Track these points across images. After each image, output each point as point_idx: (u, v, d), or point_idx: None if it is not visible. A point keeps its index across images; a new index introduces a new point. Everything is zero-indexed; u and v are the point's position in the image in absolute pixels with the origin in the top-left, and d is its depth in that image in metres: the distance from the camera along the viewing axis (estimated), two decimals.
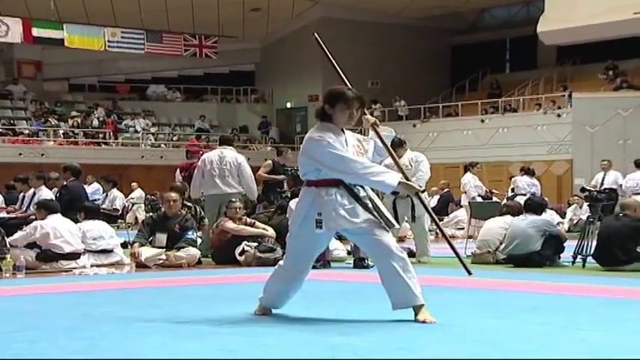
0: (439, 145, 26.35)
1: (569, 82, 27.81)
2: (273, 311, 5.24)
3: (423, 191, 10.30)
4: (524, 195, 14.95)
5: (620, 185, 16.37)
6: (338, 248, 10.08)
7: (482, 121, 26.76)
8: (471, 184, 15.94)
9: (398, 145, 10.06)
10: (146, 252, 9.50)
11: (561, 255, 9.46)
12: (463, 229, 15.22)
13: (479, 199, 15.30)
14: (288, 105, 33.03)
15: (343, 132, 5.07)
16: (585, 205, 13.65)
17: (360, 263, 9.10)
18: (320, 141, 4.87)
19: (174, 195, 10.00)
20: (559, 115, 24.75)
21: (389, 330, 4.61)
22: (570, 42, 24.93)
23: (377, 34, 30.78)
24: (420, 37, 31.54)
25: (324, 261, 9.07)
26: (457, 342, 4.25)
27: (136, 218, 18.78)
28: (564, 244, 9.46)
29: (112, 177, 16.45)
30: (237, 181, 10.84)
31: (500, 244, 9.64)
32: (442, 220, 17.30)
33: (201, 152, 14.07)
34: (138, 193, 20.61)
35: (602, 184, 16.73)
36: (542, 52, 30.20)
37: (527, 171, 17.01)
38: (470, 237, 12.17)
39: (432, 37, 31.91)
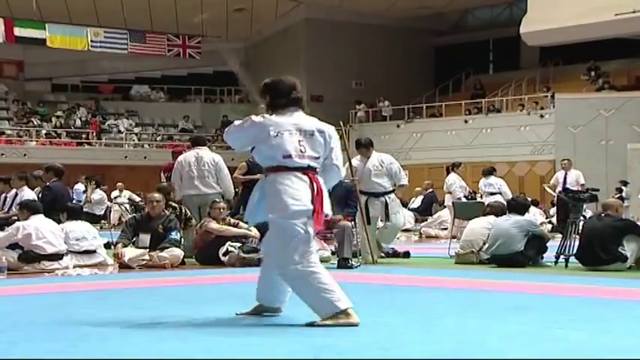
0: (423, 145, 26.43)
1: (552, 82, 27.96)
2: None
3: (392, 191, 10.21)
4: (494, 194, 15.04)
5: (582, 184, 16.24)
6: (322, 248, 10.07)
7: (466, 121, 26.87)
8: (457, 185, 15.98)
9: (369, 144, 10.14)
10: (129, 253, 9.46)
11: (544, 255, 9.50)
12: (447, 229, 15.25)
13: (463, 200, 15.33)
14: None
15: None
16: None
17: (344, 263, 9.11)
18: None
19: (157, 196, 9.97)
20: (542, 116, 24.89)
21: (372, 330, 4.61)
22: (553, 43, 25.07)
23: (361, 35, 30.83)
24: (403, 37, 31.62)
25: None
26: (439, 342, 4.26)
27: (120, 218, 18.73)
28: (547, 244, 9.50)
29: (96, 177, 16.45)
30: (216, 181, 10.86)
31: (484, 244, 9.66)
32: (426, 220, 17.36)
33: (184, 152, 14.03)
34: (124, 194, 20.58)
35: (564, 183, 16.68)
36: (525, 52, 30.35)
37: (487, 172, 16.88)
38: (453, 237, 12.20)
39: (416, 37, 32.00)
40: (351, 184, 9.98)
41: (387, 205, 9.94)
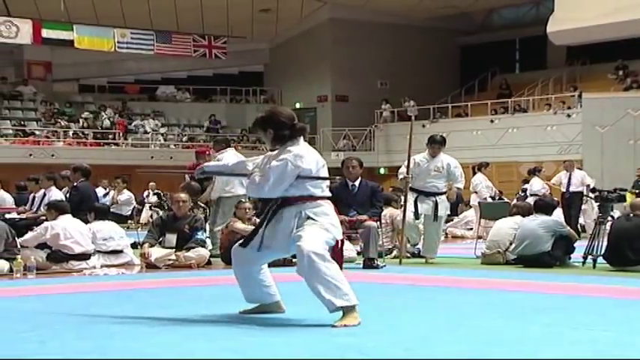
0: (448, 145, 25.77)
1: (579, 82, 27.73)
2: (281, 311, 5.24)
3: (444, 192, 10.30)
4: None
5: (588, 185, 16.01)
6: (347, 248, 10.06)
7: (492, 121, 26.72)
8: (483, 185, 15.91)
9: (442, 143, 10.32)
10: (156, 252, 9.52)
11: (572, 255, 9.43)
12: (472, 229, 15.20)
13: (489, 200, 15.27)
14: (297, 106, 33.00)
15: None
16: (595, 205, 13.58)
17: (369, 263, 9.10)
18: None
19: (183, 196, 10.03)
20: (569, 116, 24.68)
21: (398, 330, 4.60)
22: (580, 42, 24.86)
23: (386, 35, 30.76)
24: (428, 37, 31.50)
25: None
26: (465, 342, 4.24)
27: (151, 217, 18.85)
28: (574, 245, 9.44)
29: (123, 177, 16.62)
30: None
31: (510, 244, 9.62)
32: (452, 220, 17.29)
33: (207, 152, 14.09)
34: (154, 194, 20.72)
35: (568, 185, 16.40)
36: (552, 52, 30.11)
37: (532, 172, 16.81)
38: (479, 237, 12.16)
39: (441, 37, 31.87)
40: (403, 183, 10.03)
41: (437, 205, 9.97)
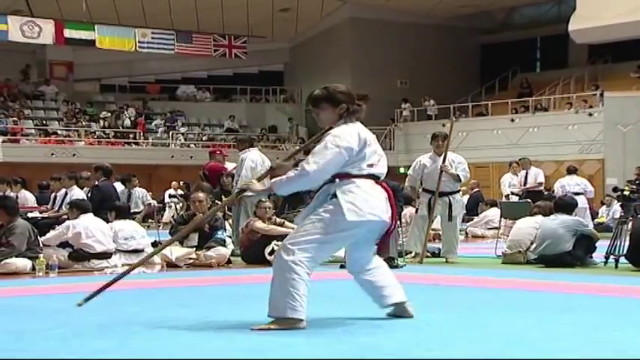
0: (468, 144, 26.21)
1: (601, 80, 27.54)
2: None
3: (458, 191, 10.32)
4: (578, 194, 14.84)
5: (540, 183, 15.68)
6: None
7: (513, 120, 26.60)
8: (505, 183, 15.82)
9: (445, 137, 10.23)
10: (176, 251, 9.56)
11: (593, 255, 9.37)
12: (493, 229, 15.13)
13: (515, 198, 15.18)
14: None
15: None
16: (617, 204, 13.48)
17: (389, 263, 9.06)
18: None
19: (201, 195, 10.08)
20: (590, 114, 24.53)
21: (417, 330, 4.59)
22: (602, 40, 24.72)
23: (406, 34, 30.72)
24: (449, 36, 31.43)
25: None
26: (486, 342, 4.23)
27: (173, 216, 18.93)
28: (596, 244, 9.37)
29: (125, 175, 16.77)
30: None
31: (531, 244, 9.57)
32: (472, 219, 17.23)
33: (218, 152, 14.12)
34: (177, 193, 20.82)
35: (525, 183, 16.14)
36: (574, 50, 29.94)
37: (571, 171, 16.64)
38: (500, 237, 12.12)
39: (461, 36, 31.78)
40: (409, 191, 10.02)
41: (450, 205, 9.93)
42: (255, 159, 11.29)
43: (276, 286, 4.52)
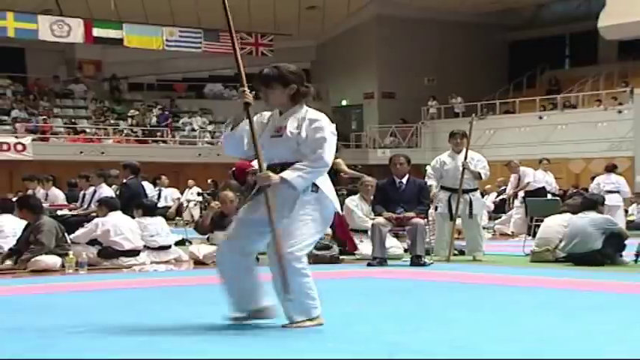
0: (496, 142, 26.09)
1: (631, 77, 27.23)
2: (330, 308, 5.23)
3: (477, 189, 10.27)
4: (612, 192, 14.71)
5: (528, 184, 15.52)
6: (395, 246, 10.05)
7: (541, 117, 26.42)
8: (530, 177, 15.71)
9: (463, 135, 10.11)
10: (204, 249, 9.61)
11: (623, 253, 9.28)
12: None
13: (549, 196, 15.09)
14: (344, 103, 33.03)
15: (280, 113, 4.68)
16: None
17: (417, 261, 9.06)
18: None
19: (230, 194, 10.13)
20: (620, 112, 24.29)
21: (446, 328, 4.58)
22: (632, 37, 24.45)
23: (433, 31, 30.59)
24: (476, 33, 31.25)
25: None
26: (515, 340, 4.20)
27: (192, 216, 19.02)
28: (626, 242, 9.28)
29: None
30: None
31: (560, 242, 9.50)
32: (500, 217, 17.15)
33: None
34: (194, 191, 20.95)
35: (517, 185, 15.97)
36: (603, 47, 29.63)
37: (609, 169, 16.47)
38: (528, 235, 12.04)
39: (489, 33, 31.60)
40: (433, 181, 9.97)
41: (471, 203, 9.90)
42: None
43: (296, 292, 4.48)
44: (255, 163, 5.04)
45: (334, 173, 12.20)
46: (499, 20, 31.61)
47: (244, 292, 4.65)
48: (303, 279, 4.49)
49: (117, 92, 31.21)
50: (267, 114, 4.73)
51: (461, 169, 9.85)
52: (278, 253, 4.43)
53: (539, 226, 10.56)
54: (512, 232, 15.75)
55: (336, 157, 12.09)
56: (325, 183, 4.59)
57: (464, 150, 10.01)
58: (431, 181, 10.12)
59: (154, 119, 29.20)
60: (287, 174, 4.42)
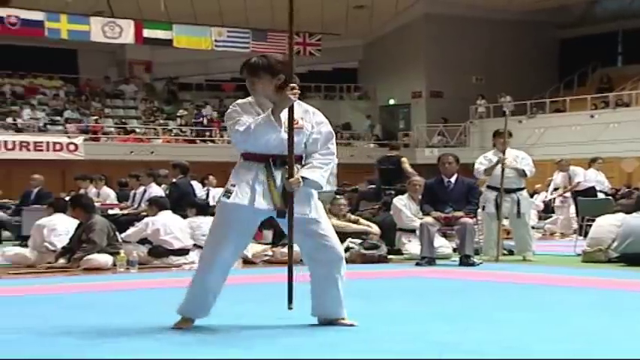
0: (546, 141, 25.79)
1: None
2: (378, 307, 5.23)
3: (524, 188, 10.18)
4: None
5: (578, 183, 15.31)
6: (443, 245, 10.00)
7: (592, 116, 26.04)
8: (594, 180, 15.51)
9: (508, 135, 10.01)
10: (252, 248, 9.66)
11: None
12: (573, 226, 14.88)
13: (601, 195, 14.89)
14: (391, 102, 32.94)
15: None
16: None
17: (466, 260, 9.01)
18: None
19: None
20: None
21: (496, 328, 4.54)
22: None
23: (482, 30, 30.33)
24: (526, 31, 30.90)
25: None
26: (566, 341, 4.15)
27: None
28: None
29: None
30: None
31: (613, 242, 9.35)
32: (550, 217, 16.96)
33: None
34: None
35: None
36: None
37: None
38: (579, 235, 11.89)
39: (539, 31, 31.22)
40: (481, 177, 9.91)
41: (519, 202, 9.81)
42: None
43: (340, 288, 4.58)
44: None
45: (399, 171, 12.25)
46: (549, 18, 31.22)
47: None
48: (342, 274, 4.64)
49: (171, 94, 31.54)
50: (247, 103, 4.56)
51: (503, 166, 9.78)
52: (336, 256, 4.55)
53: (590, 225, 10.42)
54: (562, 233, 15.57)
55: (401, 156, 12.16)
56: None
57: (508, 149, 9.94)
58: (479, 176, 10.04)
59: (204, 119, 29.44)
60: (310, 174, 4.45)
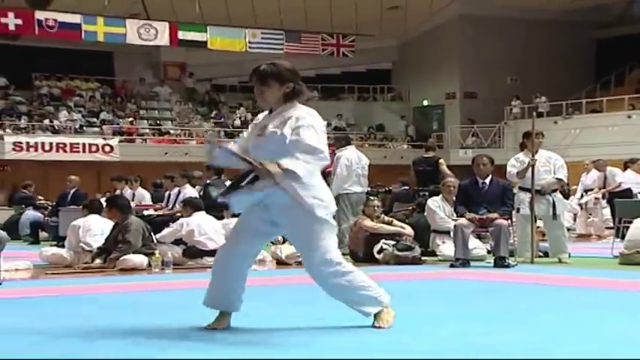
0: (582, 142, 25.54)
1: None
2: (412, 308, 5.21)
3: (557, 189, 10.09)
4: None
5: (620, 183, 15.06)
6: (478, 247, 9.94)
7: (629, 117, 25.73)
8: (632, 181, 15.34)
9: (539, 135, 9.95)
10: (286, 249, 9.68)
11: None
12: (609, 228, 14.70)
13: (639, 197, 14.72)
14: (425, 103, 32.84)
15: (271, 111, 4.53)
16: None
17: (500, 262, 8.95)
18: None
19: None
20: None
21: (531, 330, 4.51)
22: None
23: (517, 30, 30.13)
24: (562, 31, 30.63)
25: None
26: (604, 343, 4.11)
27: None
28: None
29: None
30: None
31: None
32: (588, 218, 16.77)
33: (330, 152, 14.21)
34: None
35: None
36: None
37: None
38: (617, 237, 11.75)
39: (575, 31, 30.92)
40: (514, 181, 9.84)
41: (554, 204, 9.72)
42: (350, 157, 11.37)
43: (354, 292, 4.50)
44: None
45: (437, 172, 12.23)
46: (585, 17, 30.91)
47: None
48: (343, 279, 4.48)
49: (209, 96, 31.73)
50: (261, 116, 4.62)
51: (540, 168, 9.70)
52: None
53: (627, 227, 10.30)
54: (598, 235, 15.42)
55: (439, 158, 12.16)
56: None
57: (540, 150, 9.86)
58: (512, 179, 9.96)
59: (238, 121, 29.57)
60: (287, 162, 4.14)
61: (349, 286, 4.49)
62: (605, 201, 15.49)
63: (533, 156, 9.68)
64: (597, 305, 5.77)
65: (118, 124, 27.73)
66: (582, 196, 16.04)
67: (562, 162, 10.02)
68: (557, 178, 9.86)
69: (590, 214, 16.46)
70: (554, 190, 9.93)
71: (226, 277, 4.60)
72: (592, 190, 15.99)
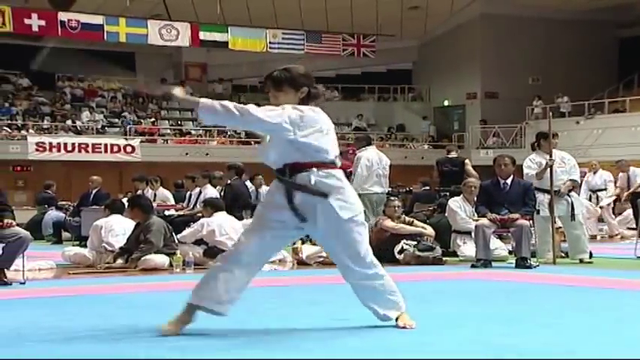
0: (604, 142, 25.36)
1: None
2: (434, 309, 5.19)
3: (573, 189, 10.04)
4: None
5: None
6: (499, 247, 9.90)
7: None
8: None
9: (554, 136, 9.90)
10: (307, 250, 9.69)
11: None
12: (634, 228, 14.58)
13: None
14: (446, 103, 32.74)
15: None
16: None
17: (522, 263, 8.90)
18: None
19: None
20: None
21: (555, 331, 4.48)
22: None
23: (539, 29, 29.97)
24: (584, 30, 30.43)
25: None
26: (628, 345, 4.07)
27: None
28: None
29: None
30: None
31: None
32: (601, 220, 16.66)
33: (351, 152, 14.21)
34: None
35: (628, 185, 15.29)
36: None
37: None
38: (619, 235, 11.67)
39: (598, 30, 30.70)
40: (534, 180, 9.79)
41: (572, 205, 9.66)
42: (370, 157, 11.38)
43: (384, 296, 4.52)
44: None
45: (462, 173, 12.20)
46: (608, 17, 30.68)
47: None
48: (379, 281, 4.54)
49: (235, 97, 31.83)
50: None
51: (557, 168, 9.65)
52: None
53: None
54: (622, 236, 15.30)
55: (464, 158, 12.15)
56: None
57: (554, 150, 9.80)
58: (532, 171, 9.88)
59: None
60: (204, 99, 4.26)
61: (382, 291, 4.51)
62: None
63: (550, 157, 9.62)
64: (619, 306, 5.72)
65: (140, 125, 27.82)
66: (590, 197, 15.86)
67: (574, 162, 9.98)
68: (571, 179, 9.80)
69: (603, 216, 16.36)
70: (571, 191, 9.87)
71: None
72: (600, 190, 15.83)
